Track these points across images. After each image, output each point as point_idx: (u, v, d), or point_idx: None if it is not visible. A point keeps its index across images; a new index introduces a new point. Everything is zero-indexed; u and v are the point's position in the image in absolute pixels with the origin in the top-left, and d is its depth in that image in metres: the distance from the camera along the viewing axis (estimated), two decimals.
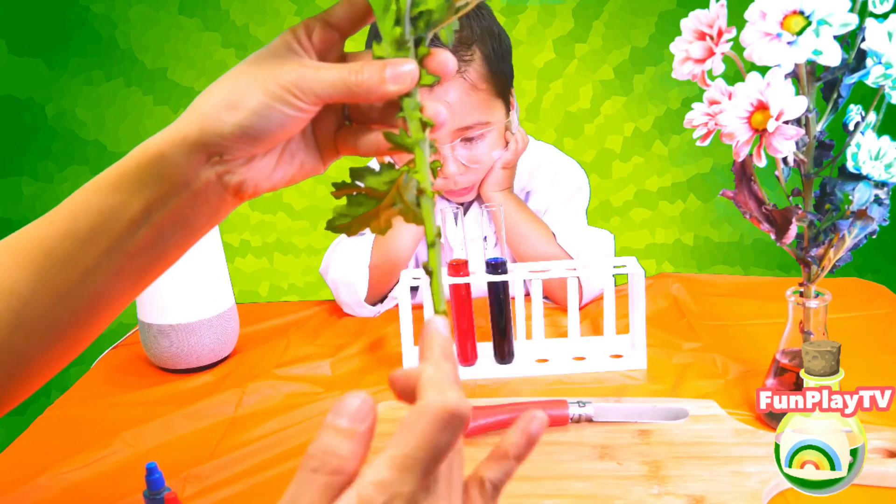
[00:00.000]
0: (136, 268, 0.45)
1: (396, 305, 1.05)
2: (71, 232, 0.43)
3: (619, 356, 0.86)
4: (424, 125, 0.41)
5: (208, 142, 0.42)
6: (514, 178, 1.10)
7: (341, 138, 0.47)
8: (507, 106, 1.05)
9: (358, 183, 0.43)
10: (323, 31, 0.43)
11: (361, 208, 0.43)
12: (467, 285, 0.84)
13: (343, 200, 0.44)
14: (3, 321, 0.43)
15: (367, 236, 1.06)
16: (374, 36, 0.97)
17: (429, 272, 0.39)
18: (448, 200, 1.08)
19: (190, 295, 0.88)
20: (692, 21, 0.60)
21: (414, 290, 1.04)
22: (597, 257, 1.04)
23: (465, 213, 1.11)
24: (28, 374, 0.45)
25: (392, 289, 1.07)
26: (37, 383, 0.46)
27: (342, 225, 0.44)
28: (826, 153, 0.63)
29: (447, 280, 0.84)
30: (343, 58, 0.45)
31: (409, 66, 0.40)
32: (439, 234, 0.39)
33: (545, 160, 1.16)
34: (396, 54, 0.41)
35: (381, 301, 1.07)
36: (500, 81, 1.02)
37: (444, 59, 0.41)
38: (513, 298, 0.86)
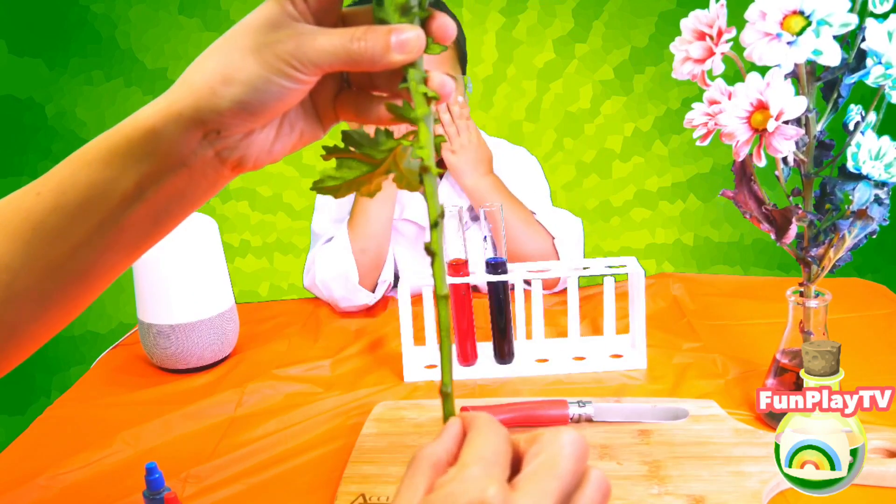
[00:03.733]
0: (130, 240, 0.43)
1: (394, 302, 1.06)
2: (60, 206, 0.41)
3: (619, 356, 0.86)
4: (429, 99, 0.39)
5: (204, 118, 0.40)
6: (491, 163, 1.14)
7: (341, 103, 0.45)
8: (465, 81, 1.15)
9: (351, 148, 0.41)
10: None
11: (352, 172, 0.41)
12: (467, 285, 0.84)
13: (332, 163, 0.42)
14: None
15: (340, 233, 1.09)
16: None
17: (431, 253, 0.37)
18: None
19: (190, 295, 0.88)
20: (692, 21, 0.60)
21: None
22: (571, 237, 1.11)
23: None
24: (19, 343, 0.44)
25: (382, 269, 1.09)
26: (28, 351, 0.45)
27: (330, 187, 0.42)
28: (826, 153, 0.63)
29: (449, 279, 0.84)
30: (341, 17, 0.42)
31: (415, 33, 0.38)
32: (443, 214, 0.38)
33: (498, 151, 1.20)
34: (400, 20, 0.38)
35: (373, 289, 1.08)
36: (460, 49, 1.15)
37: (445, 23, 0.39)
38: (512, 291, 0.86)
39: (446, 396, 0.39)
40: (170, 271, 0.87)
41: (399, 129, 0.41)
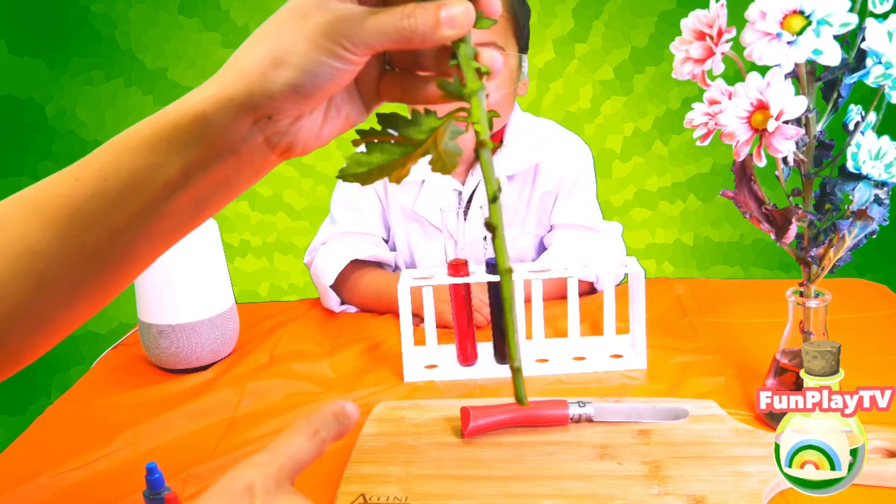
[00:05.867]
0: (170, 227, 0.42)
1: None
2: (100, 192, 0.40)
3: (619, 356, 0.86)
4: (481, 74, 0.39)
5: (256, 103, 0.39)
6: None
7: (384, 85, 0.44)
8: (520, 60, 1.06)
9: (390, 131, 0.40)
10: None
11: (383, 156, 0.41)
12: (467, 285, 0.84)
13: (360, 148, 0.41)
14: (25, 281, 0.41)
15: (339, 259, 1.06)
16: None
17: (491, 228, 0.37)
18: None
19: (190, 295, 0.88)
20: (692, 21, 0.60)
21: None
22: (604, 258, 1.08)
23: (465, 217, 1.12)
24: (50, 330, 0.43)
25: None
26: (56, 339, 0.45)
27: (359, 174, 0.41)
28: (826, 153, 0.63)
29: (449, 279, 0.84)
30: None
31: (464, 7, 0.38)
32: (500, 188, 0.37)
33: (549, 141, 1.16)
34: None
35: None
36: (518, 24, 1.05)
37: None
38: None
39: (516, 371, 0.39)
40: (170, 271, 0.87)
41: (440, 110, 0.41)
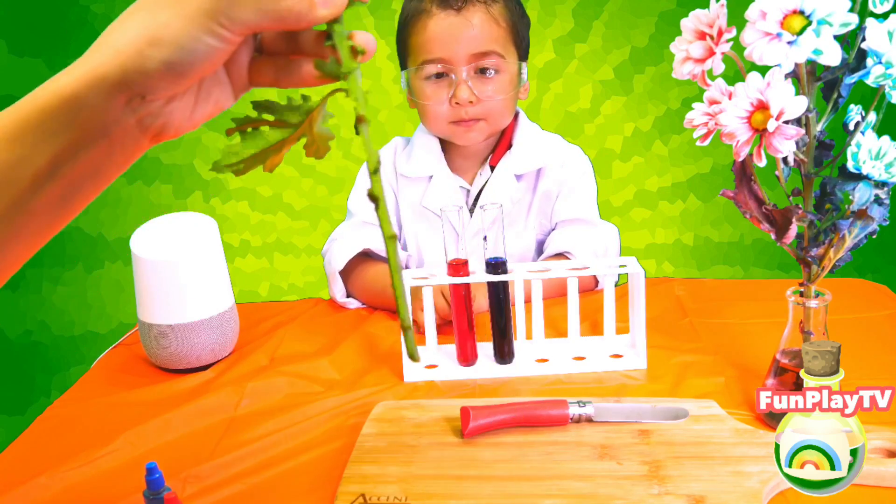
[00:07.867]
0: (37, 226, 0.39)
1: None
2: None
3: (619, 356, 0.86)
4: (356, 53, 0.41)
5: (131, 81, 0.38)
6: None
7: (255, 70, 0.44)
8: (520, 67, 1.10)
9: (266, 116, 0.41)
10: None
11: (257, 143, 0.42)
12: (467, 285, 0.84)
13: (235, 138, 0.42)
14: None
15: (347, 249, 1.08)
16: None
17: (374, 199, 0.39)
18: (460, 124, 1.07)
19: (190, 295, 0.88)
20: (692, 21, 0.60)
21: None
22: (604, 253, 1.10)
23: (471, 214, 1.12)
24: None
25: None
26: None
27: (232, 164, 0.42)
28: (826, 153, 0.63)
29: (449, 279, 0.84)
30: None
31: None
32: (380, 161, 0.39)
33: (552, 148, 1.18)
34: None
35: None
36: (517, 33, 1.08)
37: None
38: (513, 304, 0.86)
39: (406, 329, 0.41)
40: (169, 271, 0.87)
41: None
